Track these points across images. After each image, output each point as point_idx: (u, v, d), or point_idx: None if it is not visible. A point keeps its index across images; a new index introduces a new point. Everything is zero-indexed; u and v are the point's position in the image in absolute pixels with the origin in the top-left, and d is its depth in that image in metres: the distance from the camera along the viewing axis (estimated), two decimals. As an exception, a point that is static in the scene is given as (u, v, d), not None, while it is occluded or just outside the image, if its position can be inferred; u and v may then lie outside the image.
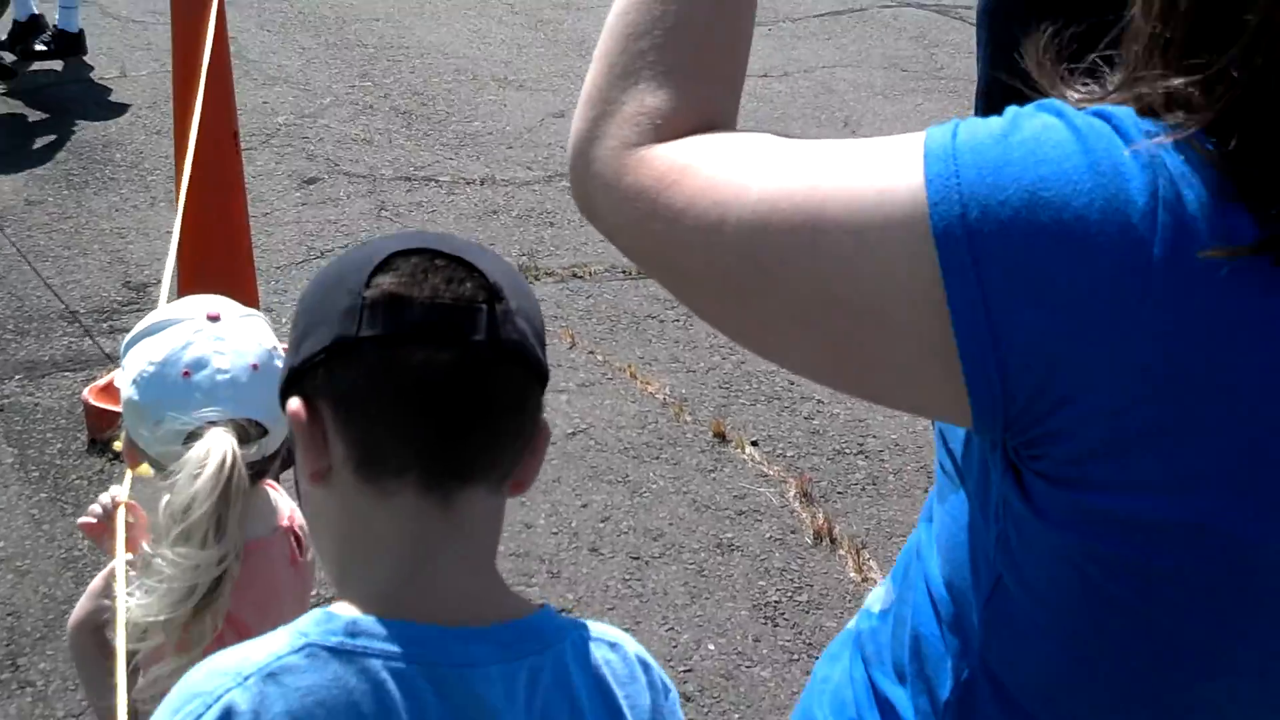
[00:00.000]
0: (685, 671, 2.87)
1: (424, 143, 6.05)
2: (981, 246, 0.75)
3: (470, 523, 1.01)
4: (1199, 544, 0.76)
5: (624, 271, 4.90)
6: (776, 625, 3.04)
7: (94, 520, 1.86)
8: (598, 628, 1.08)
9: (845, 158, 0.81)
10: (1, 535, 3.14)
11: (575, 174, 0.91)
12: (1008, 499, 0.83)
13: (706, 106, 0.89)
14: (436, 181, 5.59)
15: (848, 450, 3.79)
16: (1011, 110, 0.79)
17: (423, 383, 0.96)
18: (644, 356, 4.27)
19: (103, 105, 6.12)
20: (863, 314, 0.79)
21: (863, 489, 3.60)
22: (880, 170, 0.79)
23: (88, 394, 3.55)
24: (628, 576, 3.19)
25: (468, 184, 5.63)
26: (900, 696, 0.97)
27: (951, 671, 0.92)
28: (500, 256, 1.06)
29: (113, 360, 3.91)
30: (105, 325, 4.17)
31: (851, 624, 1.10)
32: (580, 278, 4.83)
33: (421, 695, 0.93)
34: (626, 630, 2.92)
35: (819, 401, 4.04)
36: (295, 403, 1.00)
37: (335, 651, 0.93)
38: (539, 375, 1.03)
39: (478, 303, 0.97)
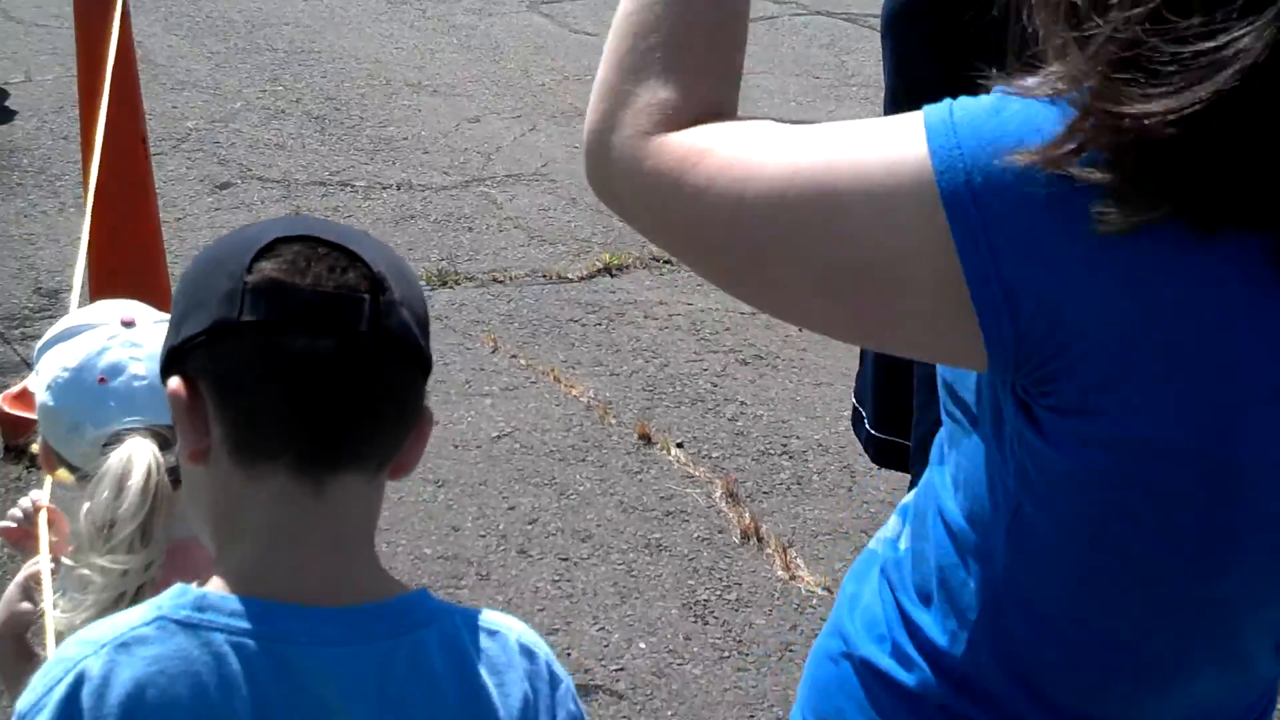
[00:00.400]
0: (617, 670, 2.88)
1: (338, 147, 6.01)
2: (987, 209, 0.82)
3: (342, 508, 1.01)
4: (1187, 460, 0.87)
5: (544, 276, 4.91)
6: (707, 624, 3.07)
7: (13, 525, 1.83)
8: (484, 615, 1.08)
9: (851, 135, 0.89)
10: (-84, 546, 3.06)
11: (593, 161, 0.97)
12: (1021, 433, 0.92)
13: (713, 97, 0.95)
14: (352, 186, 5.56)
15: (771, 451, 3.83)
16: (996, 92, 0.87)
17: (301, 371, 0.97)
18: (567, 360, 4.29)
19: (7, 110, 6.00)
20: (881, 277, 0.87)
21: (788, 489, 3.65)
22: (886, 144, 0.86)
23: (1, 401, 3.47)
24: (557, 578, 3.19)
25: (384, 189, 5.60)
26: (929, 620, 1.05)
27: (978, 595, 1.01)
28: (384, 244, 1.07)
29: (27, 367, 3.84)
30: (17, 332, 4.09)
31: (875, 545, 1.17)
32: (500, 282, 4.83)
33: (260, 670, 0.95)
34: (555, 631, 2.93)
35: (742, 404, 4.09)
36: (175, 382, 1.01)
37: (182, 624, 0.96)
38: (422, 365, 1.05)
39: (360, 292, 0.98)
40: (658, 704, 2.80)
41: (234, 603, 0.97)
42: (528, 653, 1.07)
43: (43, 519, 1.76)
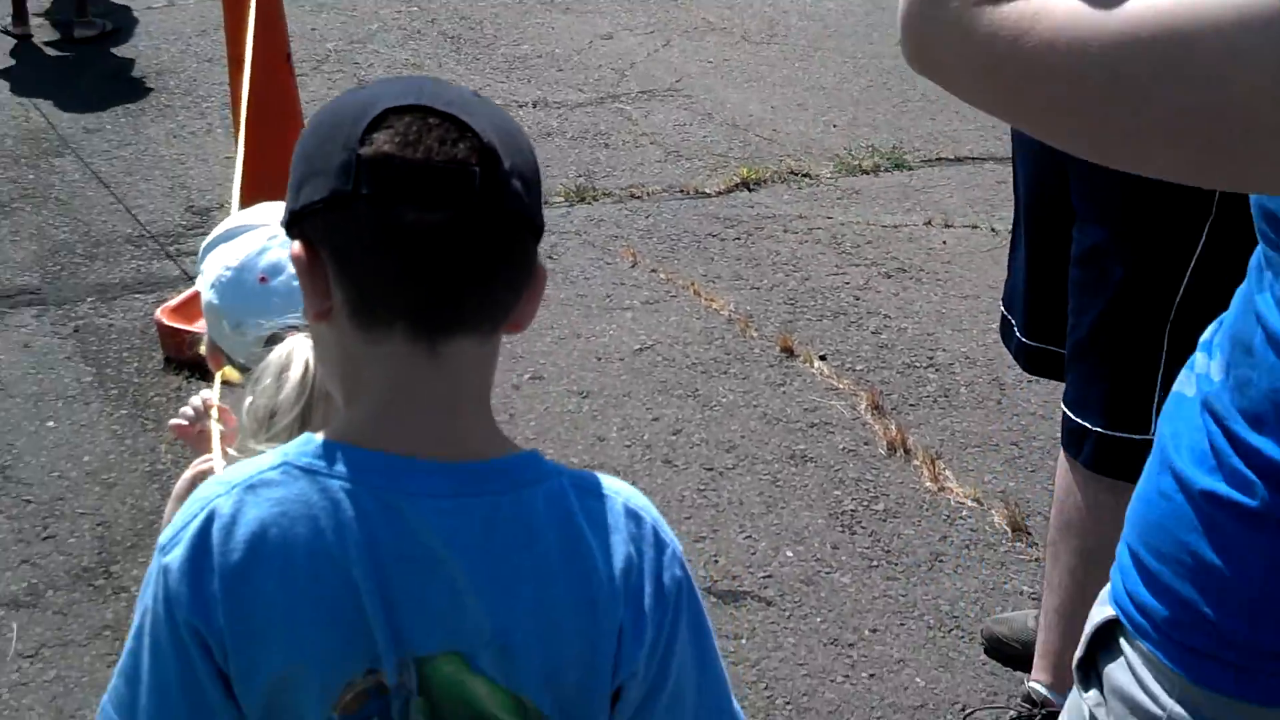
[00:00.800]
0: (765, 577, 2.89)
1: (474, 66, 6.03)
2: None
3: (456, 369, 1.04)
4: None
5: (681, 191, 4.89)
6: (854, 533, 3.06)
7: (185, 423, 1.88)
8: (592, 478, 1.09)
9: None
10: (87, 450, 3.18)
11: (913, 30, 1.01)
12: None
13: None
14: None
15: (917, 364, 3.79)
16: None
17: (412, 242, 0.98)
18: (706, 274, 4.27)
19: (153, 34, 6.12)
20: (1234, 118, 0.87)
21: (934, 401, 3.60)
22: None
23: (160, 314, 3.58)
24: (702, 487, 3.20)
25: (520, 106, 5.60)
26: (1266, 442, 1.05)
27: None
28: (495, 108, 1.06)
29: (184, 282, 3.94)
30: (172, 248, 4.19)
31: (1181, 389, 1.17)
32: (638, 198, 4.82)
33: (372, 517, 1.00)
34: (701, 539, 2.94)
35: (886, 317, 4.03)
36: (296, 245, 1.04)
37: (305, 470, 1.02)
38: (533, 230, 1.05)
39: (470, 165, 0.98)
40: (806, 610, 2.81)
41: (353, 453, 1.02)
42: (634, 516, 1.08)
43: (214, 416, 1.81)
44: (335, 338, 1.05)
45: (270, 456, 1.04)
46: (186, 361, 3.49)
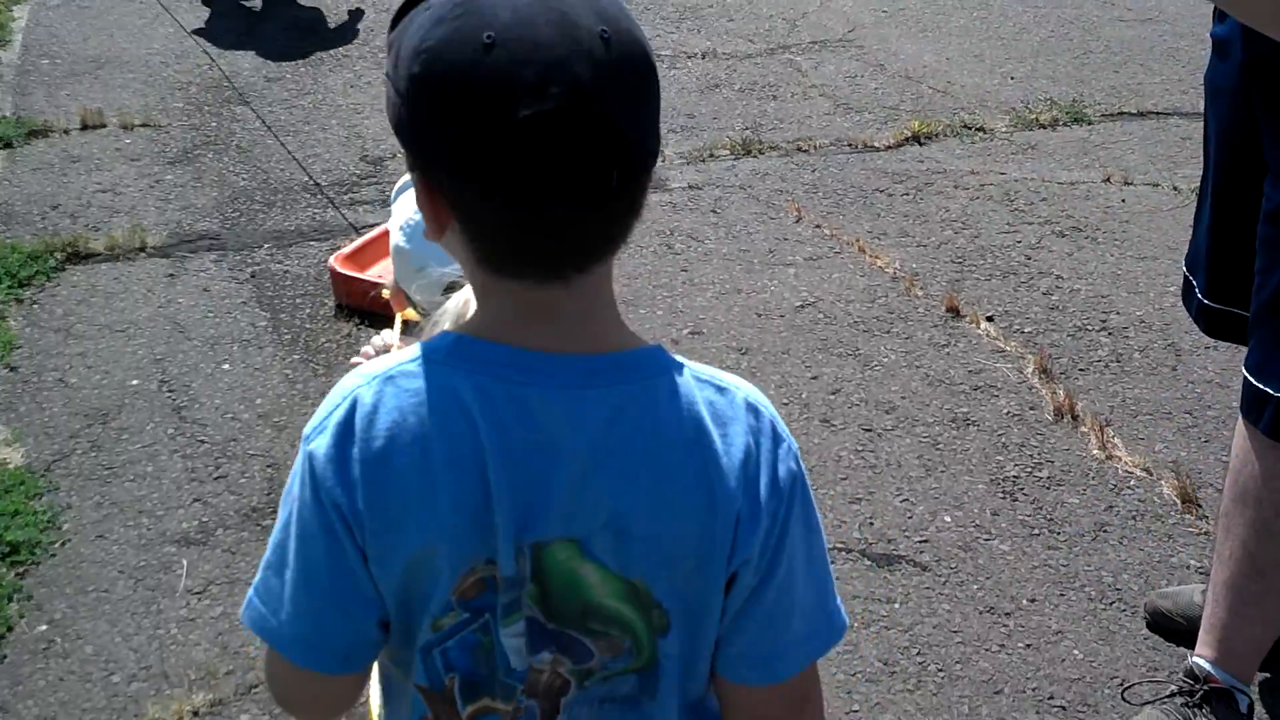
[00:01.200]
0: (921, 542, 2.84)
1: (644, 17, 6.00)
2: None
3: (586, 290, 1.06)
4: None
5: (850, 145, 4.80)
6: (1016, 500, 2.98)
7: (364, 361, 1.93)
8: (713, 371, 1.11)
9: None
10: (259, 393, 3.29)
11: None
12: None
13: None
14: (658, 55, 5.53)
15: (1089, 327, 3.67)
16: None
17: (544, 229, 1.00)
18: (872, 230, 4.20)
19: (332, -16, 6.25)
20: None
21: (1106, 366, 3.49)
22: None
23: (334, 261, 3.67)
24: (860, 448, 3.16)
25: (689, 58, 5.57)
26: None
27: None
28: (632, 86, 1.00)
29: (355, 231, 4.03)
30: (346, 198, 4.29)
31: None
32: (805, 151, 4.75)
33: (501, 406, 1.03)
34: (857, 500, 2.90)
35: (1058, 277, 3.91)
36: (416, 177, 1.06)
37: (440, 363, 1.06)
38: (650, 166, 1.05)
39: (608, 169, 0.98)
40: (963, 577, 2.75)
41: (486, 347, 1.05)
42: (753, 409, 1.10)
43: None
44: (463, 252, 1.06)
45: (409, 350, 1.08)
46: (357, 308, 3.58)
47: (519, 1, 0.97)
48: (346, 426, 1.05)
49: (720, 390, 1.09)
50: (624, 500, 1.05)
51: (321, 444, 1.05)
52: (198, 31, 5.65)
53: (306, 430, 1.07)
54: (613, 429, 1.04)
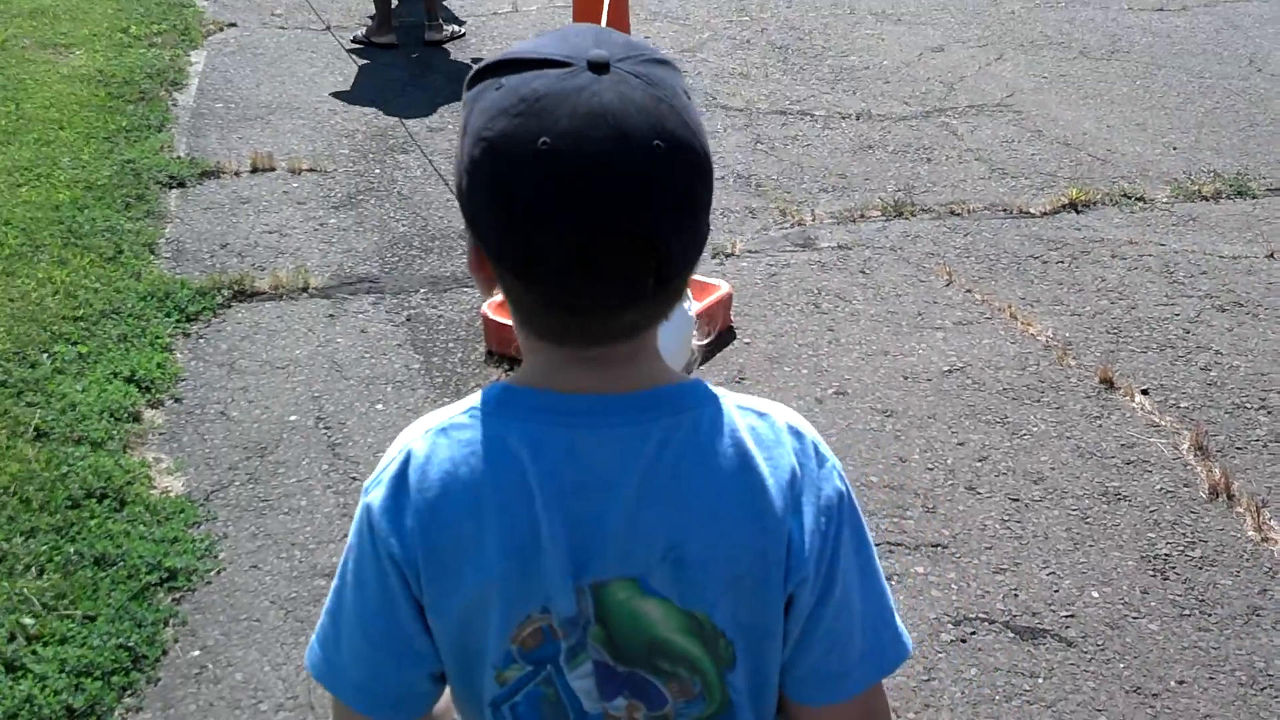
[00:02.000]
0: (1067, 617, 2.78)
1: (800, 77, 6.04)
2: None
3: (632, 344, 1.08)
4: None
5: (1004, 210, 4.76)
6: (1166, 579, 2.91)
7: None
8: (753, 400, 1.14)
9: None
10: (410, 434, 3.36)
11: None
12: None
13: None
14: (812, 115, 5.58)
15: (1248, 404, 3.56)
16: None
17: (582, 326, 1.04)
18: (1025, 297, 4.14)
19: (497, 39, 6.41)
20: None
21: (1264, 445, 3.38)
22: None
23: (486, 308, 3.75)
24: (1006, 518, 3.11)
25: (843, 118, 5.59)
26: None
27: None
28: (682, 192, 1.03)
29: (507, 278, 4.11)
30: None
31: None
32: (958, 215, 4.72)
33: (551, 450, 1.06)
34: (1002, 570, 2.85)
35: (1217, 352, 3.81)
36: (468, 235, 1.09)
37: (491, 413, 1.09)
38: (691, 267, 1.08)
39: (643, 278, 1.01)
40: (1109, 655, 2.69)
41: (532, 395, 1.09)
42: (795, 433, 1.12)
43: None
44: (510, 313, 1.10)
45: (460, 403, 1.12)
46: (507, 355, 3.65)
47: (580, 109, 0.98)
48: (401, 479, 1.09)
49: (761, 416, 1.12)
50: (678, 530, 1.07)
51: (378, 496, 1.10)
52: (365, 81, 5.85)
53: (366, 483, 1.12)
54: (660, 461, 1.06)
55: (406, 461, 1.09)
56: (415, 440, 1.10)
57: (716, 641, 1.10)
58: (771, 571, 1.08)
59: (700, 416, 1.09)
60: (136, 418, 3.38)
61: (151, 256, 4.23)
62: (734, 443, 1.09)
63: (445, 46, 6.30)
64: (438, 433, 1.09)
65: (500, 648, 1.09)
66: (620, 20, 3.64)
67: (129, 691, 2.53)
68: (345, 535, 1.06)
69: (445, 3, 6.53)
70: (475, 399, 1.11)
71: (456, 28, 6.41)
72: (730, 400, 1.12)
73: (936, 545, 2.98)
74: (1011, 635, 2.73)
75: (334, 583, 1.15)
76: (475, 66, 1.07)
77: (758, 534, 1.08)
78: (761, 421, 1.11)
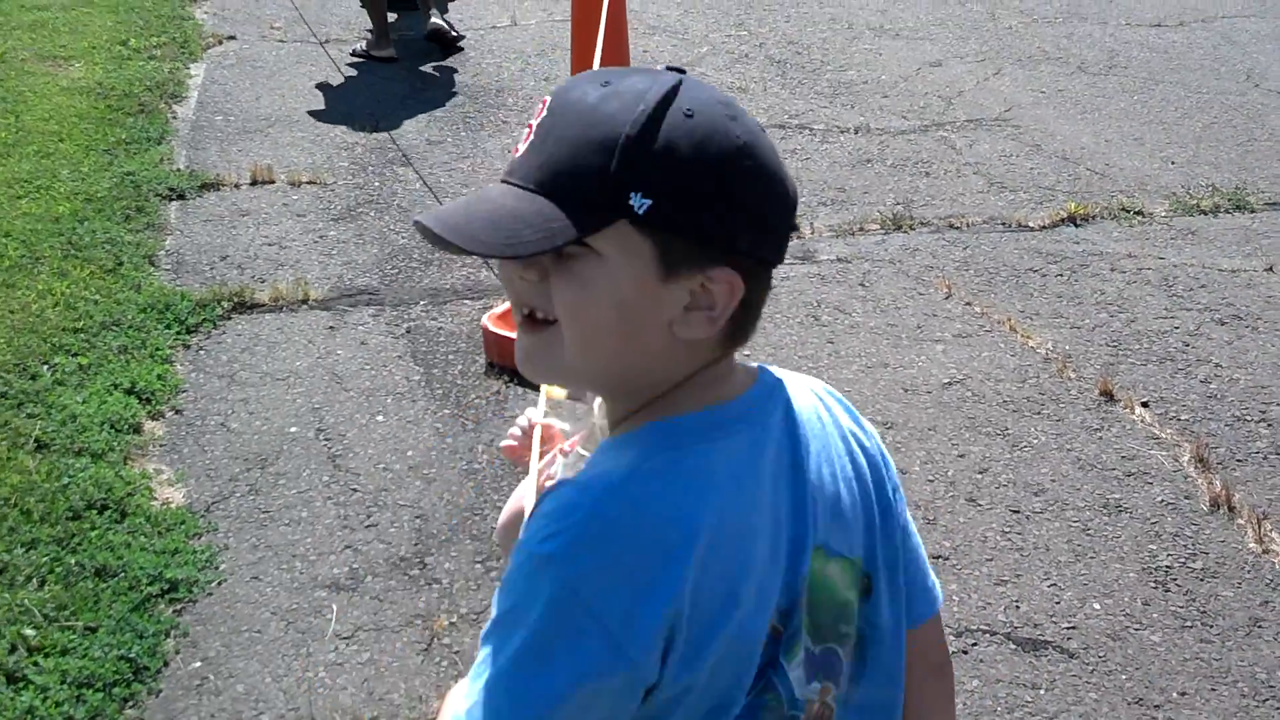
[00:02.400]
0: (1069, 628, 2.78)
1: (798, 91, 6.06)
2: None
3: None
4: None
5: (1003, 223, 4.77)
6: (1168, 590, 2.91)
7: (515, 443, 1.95)
8: (788, 377, 1.20)
9: None
10: (411, 445, 3.37)
11: None
12: None
13: None
14: (810, 129, 5.59)
15: (1248, 417, 3.57)
16: None
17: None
18: (1024, 310, 4.15)
19: (496, 53, 6.43)
20: None
21: (1264, 458, 3.39)
22: None
23: (487, 320, 3.75)
24: (1007, 529, 3.11)
25: (841, 132, 5.60)
26: None
27: None
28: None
29: (508, 290, 4.11)
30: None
31: None
32: (956, 228, 4.73)
33: (746, 458, 1.09)
34: (1003, 582, 2.85)
35: (1216, 365, 3.82)
36: (706, 273, 1.11)
37: (672, 447, 1.08)
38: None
39: None
40: (1111, 667, 2.68)
41: (700, 418, 1.10)
42: (826, 390, 1.24)
43: (536, 434, 1.87)
44: (700, 346, 1.09)
45: (621, 459, 1.07)
46: (507, 367, 3.65)
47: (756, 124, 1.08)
48: (651, 574, 1.00)
49: (810, 391, 1.21)
50: (826, 488, 1.14)
51: (618, 609, 0.98)
52: (365, 94, 5.86)
53: (588, 596, 0.99)
54: (791, 431, 1.14)
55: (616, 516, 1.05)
56: (608, 499, 1.04)
57: (865, 586, 1.17)
58: (884, 510, 1.19)
59: (784, 386, 1.17)
60: (137, 429, 3.38)
61: (151, 268, 4.23)
62: (820, 413, 1.18)
63: (444, 63, 6.31)
64: (620, 484, 1.04)
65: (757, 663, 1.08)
66: (618, 34, 3.64)
67: (130, 703, 2.52)
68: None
69: (446, 17, 6.54)
70: (641, 451, 1.07)
71: (455, 30, 6.45)
72: (784, 377, 1.21)
73: (937, 557, 2.98)
74: (1013, 647, 2.73)
75: (514, 643, 1.00)
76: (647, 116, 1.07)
77: (864, 485, 1.18)
78: (821, 393, 1.22)
